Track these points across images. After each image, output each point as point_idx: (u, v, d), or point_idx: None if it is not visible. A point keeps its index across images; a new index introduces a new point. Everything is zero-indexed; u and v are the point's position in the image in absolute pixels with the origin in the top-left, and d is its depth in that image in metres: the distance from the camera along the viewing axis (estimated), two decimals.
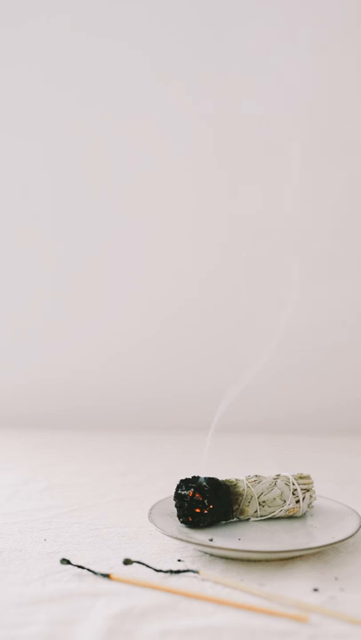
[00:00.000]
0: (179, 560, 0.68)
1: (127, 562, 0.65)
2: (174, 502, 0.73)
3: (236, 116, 1.45)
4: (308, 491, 0.76)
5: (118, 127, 1.47)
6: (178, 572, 0.64)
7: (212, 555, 0.69)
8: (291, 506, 0.75)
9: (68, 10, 1.47)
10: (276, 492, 0.75)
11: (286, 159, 1.46)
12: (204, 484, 0.72)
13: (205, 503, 0.71)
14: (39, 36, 1.47)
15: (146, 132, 1.46)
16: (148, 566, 0.65)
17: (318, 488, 0.81)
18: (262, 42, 1.43)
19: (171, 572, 0.64)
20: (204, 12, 1.44)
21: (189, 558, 0.68)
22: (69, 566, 0.65)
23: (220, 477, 0.75)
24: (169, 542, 0.73)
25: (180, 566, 0.66)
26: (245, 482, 0.75)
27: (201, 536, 0.69)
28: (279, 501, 0.75)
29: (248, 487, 0.74)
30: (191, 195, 1.48)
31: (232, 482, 0.75)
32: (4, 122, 1.50)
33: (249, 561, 0.67)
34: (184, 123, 1.46)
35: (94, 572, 0.64)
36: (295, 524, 0.75)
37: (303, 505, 0.76)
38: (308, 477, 0.77)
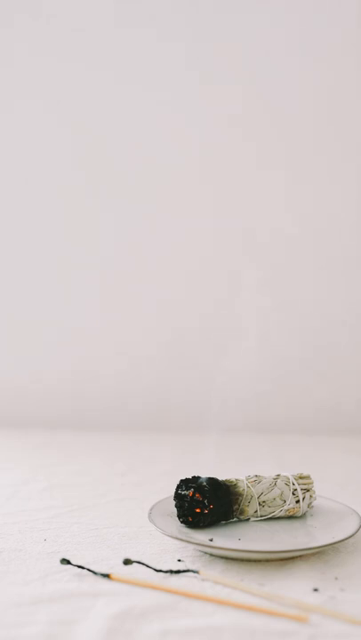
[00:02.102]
0: (179, 560, 0.68)
1: (127, 562, 0.65)
2: (174, 502, 0.73)
3: (239, 116, 1.45)
4: (308, 491, 0.76)
5: (119, 129, 1.47)
6: (178, 572, 0.64)
7: (212, 555, 0.69)
8: (291, 506, 0.75)
9: (69, 10, 1.47)
10: (276, 491, 0.75)
11: (287, 159, 1.46)
12: (204, 483, 0.72)
13: (205, 503, 0.71)
14: (40, 35, 1.47)
15: (151, 140, 1.46)
16: (148, 566, 0.65)
17: (318, 488, 0.81)
18: (263, 42, 1.43)
19: (171, 571, 0.64)
20: (205, 11, 1.43)
21: (189, 558, 0.68)
22: (69, 566, 0.65)
23: (220, 477, 0.75)
24: (169, 542, 0.73)
25: (180, 566, 0.66)
26: (245, 482, 0.75)
27: (201, 536, 0.69)
28: (279, 501, 0.75)
29: (248, 487, 0.74)
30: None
31: (232, 482, 0.75)
32: (4, 121, 1.50)
33: (249, 561, 0.67)
34: (189, 127, 1.46)
35: (94, 572, 0.64)
36: (295, 523, 0.75)
37: (303, 505, 0.76)
38: (308, 477, 0.77)
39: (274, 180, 1.46)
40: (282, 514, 0.75)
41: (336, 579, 0.63)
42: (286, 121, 1.45)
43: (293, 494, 0.75)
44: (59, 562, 0.66)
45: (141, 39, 1.45)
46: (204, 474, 0.74)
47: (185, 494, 0.72)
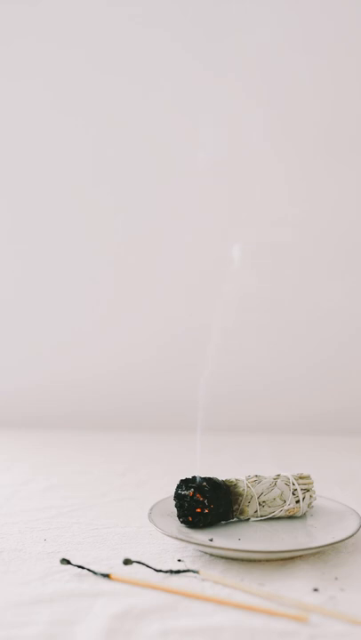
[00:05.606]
0: (179, 560, 0.68)
1: (127, 562, 0.65)
2: (174, 502, 0.73)
3: (243, 116, 1.45)
4: (308, 491, 0.76)
5: (120, 130, 1.48)
6: (178, 572, 0.64)
7: (212, 555, 0.69)
8: (291, 506, 0.75)
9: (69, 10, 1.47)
10: (276, 491, 0.75)
11: (289, 159, 1.46)
12: (204, 483, 0.72)
13: (206, 503, 0.71)
14: (45, 34, 1.47)
15: (152, 140, 1.46)
16: (148, 566, 0.65)
17: (318, 488, 0.81)
18: (266, 40, 1.43)
19: (171, 571, 0.64)
20: (207, 14, 1.43)
21: (189, 558, 0.68)
22: (69, 566, 0.65)
23: (220, 477, 0.75)
24: (169, 542, 0.73)
25: (180, 566, 0.66)
26: (245, 482, 0.75)
27: (201, 536, 0.69)
28: (279, 501, 0.75)
29: (248, 487, 0.74)
30: (198, 206, 1.47)
31: (232, 482, 0.75)
32: (4, 121, 1.50)
33: (249, 561, 0.67)
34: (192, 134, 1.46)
35: (94, 572, 0.64)
36: (295, 523, 0.75)
37: (303, 505, 0.76)
38: (308, 477, 0.77)
39: (275, 180, 1.46)
40: (282, 514, 0.75)
41: (336, 579, 0.63)
42: (290, 119, 1.45)
43: (293, 494, 0.75)
44: (59, 562, 0.66)
45: (144, 40, 1.45)
46: (204, 474, 0.74)
47: (185, 494, 0.72)
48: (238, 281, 1.47)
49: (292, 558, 0.67)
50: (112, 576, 0.62)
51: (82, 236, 1.50)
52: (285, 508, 0.75)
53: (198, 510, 0.71)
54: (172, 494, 0.74)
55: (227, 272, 1.48)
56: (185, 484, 0.73)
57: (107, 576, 0.63)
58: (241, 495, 0.74)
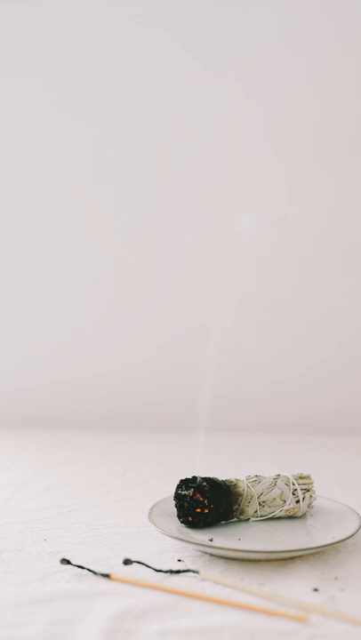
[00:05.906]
0: (179, 560, 0.68)
1: (127, 562, 0.65)
2: (174, 502, 0.73)
3: (244, 115, 1.45)
4: (308, 491, 0.76)
5: (121, 133, 1.47)
6: (178, 572, 0.64)
7: (212, 555, 0.69)
8: (291, 506, 0.75)
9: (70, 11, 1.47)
10: (276, 491, 0.75)
11: (289, 159, 1.46)
12: (205, 483, 0.72)
13: (206, 503, 0.71)
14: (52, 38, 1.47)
15: (152, 141, 1.46)
16: (148, 566, 0.65)
17: (318, 488, 0.81)
18: (267, 39, 1.43)
19: (171, 571, 0.64)
20: (207, 14, 1.43)
21: (189, 558, 0.68)
22: (69, 566, 0.65)
23: (220, 477, 0.75)
24: (169, 542, 0.73)
25: (180, 566, 0.66)
26: (245, 482, 0.75)
27: (201, 536, 0.69)
28: (279, 501, 0.75)
29: (248, 487, 0.74)
30: (198, 206, 1.47)
31: (232, 482, 0.75)
32: (5, 121, 1.50)
33: (249, 561, 0.67)
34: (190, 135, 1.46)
35: (94, 572, 0.64)
36: (295, 523, 0.75)
37: (303, 505, 0.76)
38: (308, 477, 0.77)
39: (275, 180, 1.46)
40: (282, 514, 0.75)
41: (336, 579, 0.63)
42: (290, 119, 1.45)
43: (293, 494, 0.75)
44: (59, 562, 0.66)
45: (144, 40, 1.45)
46: (204, 474, 0.74)
47: (185, 494, 0.72)
48: (238, 281, 1.48)
49: (292, 558, 0.67)
50: (112, 576, 0.62)
51: (82, 236, 1.50)
52: (285, 507, 0.75)
53: (198, 510, 0.71)
54: (172, 494, 0.74)
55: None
56: (185, 483, 0.73)
57: (107, 576, 0.63)
58: (241, 495, 0.74)
